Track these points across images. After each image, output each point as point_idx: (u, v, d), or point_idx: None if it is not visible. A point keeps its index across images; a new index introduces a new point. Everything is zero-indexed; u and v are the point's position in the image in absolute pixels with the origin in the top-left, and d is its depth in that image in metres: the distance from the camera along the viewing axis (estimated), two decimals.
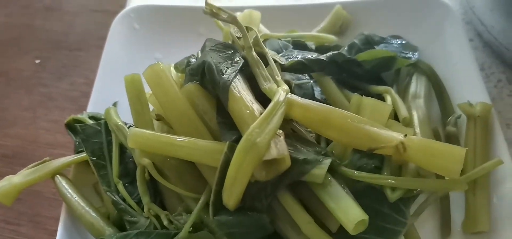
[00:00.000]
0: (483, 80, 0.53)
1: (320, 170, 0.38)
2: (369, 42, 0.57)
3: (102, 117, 0.51)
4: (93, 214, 0.45)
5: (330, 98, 0.50)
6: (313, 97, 0.49)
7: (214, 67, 0.43)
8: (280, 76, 0.43)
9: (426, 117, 0.49)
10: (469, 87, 0.53)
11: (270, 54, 0.47)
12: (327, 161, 0.38)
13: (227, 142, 0.39)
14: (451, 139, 0.50)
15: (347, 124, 0.39)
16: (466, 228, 0.45)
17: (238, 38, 0.47)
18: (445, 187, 0.39)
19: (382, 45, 0.57)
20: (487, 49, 0.63)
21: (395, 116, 0.48)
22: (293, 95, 0.41)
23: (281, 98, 0.39)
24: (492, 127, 0.50)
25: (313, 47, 0.58)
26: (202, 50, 0.49)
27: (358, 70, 0.53)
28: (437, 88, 0.54)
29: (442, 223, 0.47)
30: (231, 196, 0.38)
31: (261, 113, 0.39)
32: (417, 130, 0.46)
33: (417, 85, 0.53)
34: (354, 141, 0.39)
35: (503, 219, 0.45)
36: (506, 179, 0.46)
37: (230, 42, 0.48)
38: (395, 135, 0.38)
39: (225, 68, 0.43)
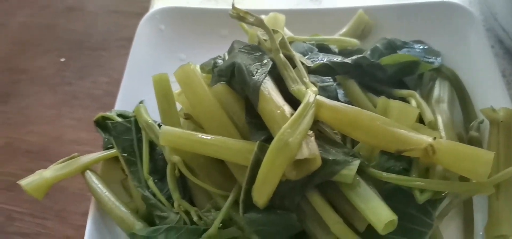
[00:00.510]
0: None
1: (350, 171, 0.39)
2: (391, 47, 0.57)
3: (130, 115, 0.52)
4: (123, 209, 0.46)
5: (354, 101, 0.51)
6: (337, 100, 0.50)
7: (244, 68, 0.44)
8: (307, 78, 0.44)
9: (450, 121, 0.50)
10: (491, 92, 0.53)
11: (297, 56, 0.47)
12: (356, 162, 0.39)
13: (258, 142, 0.40)
14: (474, 144, 0.50)
15: (376, 125, 0.40)
16: (488, 232, 0.46)
17: (265, 40, 0.48)
18: (473, 190, 0.40)
19: (404, 49, 0.57)
20: (508, 56, 0.64)
21: (419, 120, 0.48)
22: (321, 96, 0.42)
23: (311, 99, 0.40)
24: None
25: (336, 50, 0.59)
26: (230, 51, 0.50)
27: (381, 74, 0.54)
28: (460, 93, 0.55)
29: (465, 226, 0.47)
30: (262, 195, 0.39)
31: (291, 114, 0.39)
32: (443, 133, 0.47)
33: (440, 90, 0.54)
34: (382, 143, 0.40)
35: None
36: None
37: (256, 43, 0.49)
38: (424, 138, 0.39)
39: (255, 70, 0.44)
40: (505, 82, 0.60)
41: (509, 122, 0.50)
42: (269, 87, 0.42)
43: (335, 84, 0.53)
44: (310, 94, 0.40)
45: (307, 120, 0.38)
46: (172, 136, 0.43)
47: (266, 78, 0.43)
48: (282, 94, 0.44)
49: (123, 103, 0.56)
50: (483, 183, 0.39)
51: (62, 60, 0.77)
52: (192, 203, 0.45)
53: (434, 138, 0.38)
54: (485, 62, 0.56)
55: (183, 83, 0.45)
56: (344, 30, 0.62)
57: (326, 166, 0.39)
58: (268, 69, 0.44)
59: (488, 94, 0.54)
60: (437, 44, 0.59)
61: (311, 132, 0.39)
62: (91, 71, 0.75)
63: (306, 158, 0.37)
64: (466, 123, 0.53)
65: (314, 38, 0.58)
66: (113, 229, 0.48)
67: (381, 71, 0.54)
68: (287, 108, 0.41)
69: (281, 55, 0.46)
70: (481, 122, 0.52)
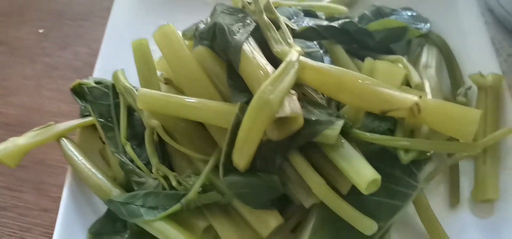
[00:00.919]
0: None
1: (333, 131, 0.37)
2: (380, 14, 0.56)
3: (108, 82, 0.50)
4: (100, 176, 0.44)
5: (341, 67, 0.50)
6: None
7: (225, 28, 0.42)
8: (292, 40, 0.43)
9: (438, 86, 0.49)
10: (480, 59, 0.53)
11: (282, 19, 0.46)
12: (340, 122, 0.38)
13: (239, 103, 0.39)
14: None
15: (360, 86, 0.38)
16: (475, 195, 0.45)
17: (249, 3, 0.46)
18: (458, 149, 0.39)
19: (393, 16, 0.56)
20: (498, 24, 0.63)
21: (406, 85, 0.47)
22: (305, 58, 0.41)
23: (294, 58, 0.38)
24: (502, 98, 0.49)
25: (323, 17, 0.57)
26: (212, 14, 0.48)
27: (369, 41, 0.53)
28: (448, 60, 0.54)
29: (451, 191, 0.46)
30: (242, 156, 0.37)
31: None
32: (429, 97, 0.46)
33: (428, 56, 0.53)
34: (367, 103, 0.39)
35: (511, 188, 0.44)
36: None
37: (240, 6, 0.48)
38: (410, 97, 0.37)
39: (237, 29, 0.42)
40: (494, 50, 0.60)
41: (497, 87, 0.49)
42: (251, 47, 0.41)
43: (321, 51, 0.52)
44: (293, 53, 0.39)
45: (289, 78, 0.36)
46: (150, 98, 0.41)
47: (249, 38, 0.42)
48: (266, 57, 0.42)
49: (102, 72, 0.54)
50: (469, 143, 0.38)
51: (41, 31, 0.74)
52: (172, 169, 0.44)
53: (420, 97, 0.37)
54: (474, 28, 0.55)
55: (162, 45, 0.43)
56: None
57: (308, 126, 0.38)
58: (251, 29, 0.42)
59: (477, 61, 0.53)
60: (426, 11, 0.58)
61: (293, 91, 0.37)
62: (72, 42, 0.72)
63: (288, 117, 0.36)
64: (454, 89, 0.52)
65: (301, 4, 0.57)
66: (91, 199, 0.46)
67: (369, 37, 0.52)
68: (270, 68, 0.39)
69: (265, 17, 0.44)
70: (469, 88, 0.51)
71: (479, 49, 0.53)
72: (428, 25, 0.56)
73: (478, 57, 0.53)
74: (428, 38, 0.55)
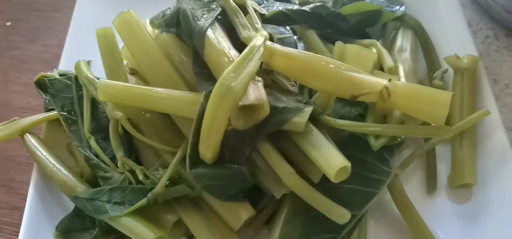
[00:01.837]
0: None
1: (301, 118, 0.36)
2: None
3: (71, 74, 0.49)
4: (65, 172, 0.43)
5: (314, 52, 0.48)
6: None
7: (189, 13, 0.41)
8: (260, 24, 0.41)
9: (412, 70, 0.48)
10: (456, 41, 0.52)
11: (249, 3, 0.44)
12: (308, 109, 0.37)
13: (204, 92, 0.37)
14: None
15: (330, 70, 0.37)
16: (452, 181, 0.44)
17: None
18: (429, 133, 0.38)
19: None
20: (475, 5, 0.62)
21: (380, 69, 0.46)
22: (273, 43, 0.39)
23: (258, 42, 0.37)
24: (479, 80, 0.48)
25: (296, 2, 0.56)
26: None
27: (343, 25, 0.51)
28: (424, 42, 0.53)
29: (428, 178, 0.45)
30: (208, 147, 0.36)
31: None
32: (402, 80, 0.45)
33: (403, 39, 0.52)
34: (337, 88, 0.38)
35: (489, 172, 0.44)
36: (493, 132, 0.45)
37: None
38: (379, 80, 0.36)
39: (201, 15, 0.41)
40: (471, 32, 0.59)
41: (474, 69, 0.48)
42: (216, 33, 0.39)
43: (295, 37, 0.50)
44: (258, 38, 0.37)
45: (253, 64, 0.35)
46: (112, 89, 0.39)
47: (214, 24, 0.40)
48: (233, 45, 0.41)
49: (68, 63, 0.52)
50: (440, 126, 0.37)
51: (8, 23, 0.71)
52: (139, 163, 0.42)
53: (390, 80, 0.36)
54: (450, 10, 0.54)
55: (123, 32, 0.42)
56: None
57: (276, 114, 0.36)
58: (215, 14, 0.41)
59: (453, 43, 0.52)
60: None
61: (258, 78, 0.36)
62: (41, 34, 0.70)
63: (253, 105, 0.34)
64: (430, 72, 0.51)
65: None
66: (57, 195, 0.45)
67: (342, 21, 0.51)
68: (234, 54, 0.38)
69: (231, 1, 0.42)
70: (445, 71, 0.50)
71: (454, 31, 0.52)
72: (403, 7, 0.54)
73: (454, 39, 0.52)
74: (403, 21, 0.54)
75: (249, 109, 0.35)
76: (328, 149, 0.35)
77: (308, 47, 0.49)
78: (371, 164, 0.38)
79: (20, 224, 0.51)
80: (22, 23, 0.72)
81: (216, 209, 0.40)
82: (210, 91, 0.36)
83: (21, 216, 0.52)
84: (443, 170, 0.46)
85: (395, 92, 0.35)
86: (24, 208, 0.52)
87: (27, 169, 0.55)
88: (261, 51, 0.36)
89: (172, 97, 0.38)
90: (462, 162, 0.44)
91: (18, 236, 0.50)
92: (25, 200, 0.53)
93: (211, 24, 0.40)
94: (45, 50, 0.68)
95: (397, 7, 0.54)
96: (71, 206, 0.44)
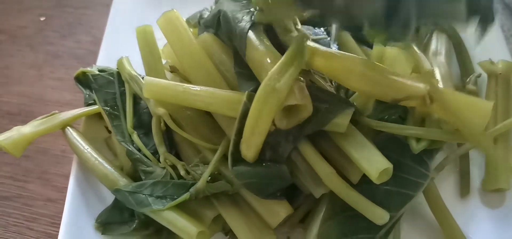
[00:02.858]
0: None
1: (343, 119, 0.37)
2: None
3: (113, 70, 0.50)
4: (107, 165, 0.44)
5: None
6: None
7: (230, 15, 0.42)
8: (300, 25, 0.42)
9: (448, 74, 0.48)
10: (490, 46, 0.51)
11: None
12: (350, 110, 0.37)
13: (246, 92, 0.38)
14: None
15: (372, 73, 0.38)
16: (486, 185, 0.45)
17: None
18: (471, 140, 0.38)
19: None
20: (507, 11, 0.62)
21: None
22: (314, 43, 0.40)
23: (301, 44, 0.37)
24: None
25: None
26: (217, 1, 0.47)
27: None
28: (458, 47, 0.53)
29: (462, 182, 0.46)
30: (251, 147, 0.37)
31: None
32: (440, 84, 0.45)
33: (438, 43, 0.52)
34: (377, 91, 0.38)
35: None
36: None
37: None
38: (422, 86, 0.37)
39: (242, 16, 0.42)
40: (503, 37, 0.59)
41: (508, 74, 0.48)
42: (257, 34, 0.40)
43: (329, 38, 0.51)
44: (300, 39, 0.38)
45: (297, 65, 0.35)
46: (157, 87, 0.40)
47: (254, 25, 0.41)
48: (273, 44, 0.41)
49: (105, 59, 0.54)
50: (482, 133, 0.37)
51: (42, 19, 0.73)
52: (179, 158, 0.43)
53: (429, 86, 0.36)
54: None
55: (167, 31, 0.42)
56: None
57: (318, 114, 0.37)
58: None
59: (487, 48, 0.51)
60: None
61: (301, 78, 0.36)
62: (74, 30, 0.71)
63: (296, 106, 0.35)
64: (464, 77, 0.51)
65: None
66: (97, 188, 0.46)
67: None
68: (277, 54, 0.38)
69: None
70: (479, 76, 0.50)
71: (488, 35, 0.52)
72: None
73: (487, 44, 0.52)
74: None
75: (292, 109, 0.35)
76: (370, 150, 0.36)
77: (342, 48, 0.50)
78: (409, 166, 0.39)
79: (55, 215, 0.53)
80: (55, 19, 0.73)
81: (254, 206, 0.41)
82: (253, 91, 0.37)
83: (56, 208, 0.54)
84: (476, 174, 0.46)
85: (437, 98, 0.36)
86: (58, 199, 0.54)
87: (61, 162, 0.57)
88: (304, 52, 0.36)
89: (215, 96, 0.39)
90: (496, 167, 0.44)
91: (53, 227, 0.52)
92: (60, 192, 0.55)
93: (252, 25, 0.40)
94: (78, 46, 0.69)
95: None
96: (108, 198, 0.45)
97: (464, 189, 0.45)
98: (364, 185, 0.38)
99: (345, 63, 0.38)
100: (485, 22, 0.35)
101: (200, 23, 0.48)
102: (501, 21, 0.61)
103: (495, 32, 0.52)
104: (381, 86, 0.38)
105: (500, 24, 0.60)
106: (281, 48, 0.40)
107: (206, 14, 0.49)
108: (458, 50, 0.53)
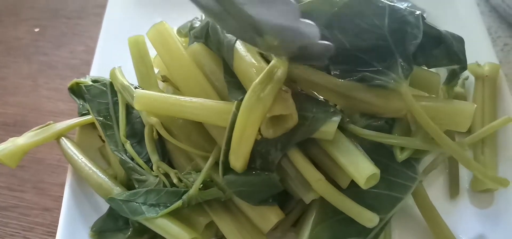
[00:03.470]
0: None
1: (330, 127, 0.37)
2: None
3: (105, 80, 0.50)
4: (101, 175, 0.44)
5: None
6: None
7: (218, 26, 0.42)
8: None
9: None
10: (476, 48, 0.52)
11: None
12: (337, 118, 0.38)
13: (235, 101, 0.38)
14: (459, 99, 0.49)
15: (354, 94, 0.39)
16: (474, 186, 0.45)
17: None
18: (453, 150, 0.39)
19: None
20: (494, 13, 0.63)
21: None
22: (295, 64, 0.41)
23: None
24: (500, 87, 0.49)
25: None
26: None
27: None
28: None
29: (451, 182, 0.47)
30: (238, 158, 0.37)
31: None
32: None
33: None
34: (356, 107, 0.39)
35: (510, 178, 0.44)
36: None
37: None
38: (401, 105, 0.38)
39: None
40: (490, 39, 0.60)
41: (494, 77, 0.49)
42: (244, 45, 0.41)
43: None
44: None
45: (279, 75, 0.36)
46: (147, 99, 0.41)
47: None
48: (261, 55, 0.42)
49: (99, 69, 0.54)
50: (454, 143, 0.38)
51: (37, 30, 0.74)
52: (172, 166, 0.44)
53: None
54: (470, 17, 0.55)
55: (156, 43, 0.43)
56: None
57: (306, 123, 0.38)
58: None
59: (473, 51, 0.52)
60: (421, 1, 0.58)
61: (286, 88, 0.37)
62: (68, 40, 0.72)
63: (282, 115, 0.36)
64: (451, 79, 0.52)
65: None
66: (91, 197, 0.47)
67: None
68: (262, 66, 0.39)
69: None
70: (466, 78, 0.51)
71: (475, 38, 0.53)
72: (425, 15, 0.55)
73: (474, 46, 0.53)
74: None
75: (278, 118, 0.36)
76: (357, 156, 0.37)
77: None
78: (397, 170, 0.39)
79: (51, 224, 0.54)
80: (49, 29, 0.74)
81: (247, 212, 0.41)
82: (241, 100, 0.38)
83: (52, 217, 0.54)
84: (465, 175, 0.47)
85: (418, 113, 0.36)
86: (54, 209, 0.55)
87: (57, 171, 0.57)
88: (286, 64, 0.37)
89: (205, 107, 0.40)
90: (484, 168, 0.45)
91: (49, 236, 0.53)
92: (55, 201, 0.55)
93: None
94: (73, 56, 0.70)
95: None
96: (103, 207, 0.46)
97: (453, 190, 0.46)
98: (353, 188, 0.38)
99: (321, 80, 0.39)
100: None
101: (190, 33, 0.49)
102: (488, 24, 0.62)
103: (481, 34, 0.53)
104: (361, 105, 0.39)
105: (486, 26, 0.61)
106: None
107: (197, 24, 0.49)
108: None
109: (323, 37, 0.36)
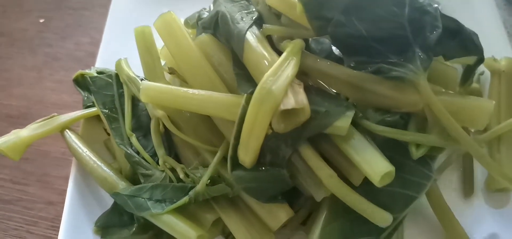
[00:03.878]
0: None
1: (344, 122, 0.36)
2: None
3: (111, 72, 0.49)
4: (106, 169, 0.43)
5: None
6: (331, 52, 0.47)
7: (228, 16, 0.41)
8: None
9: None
10: (492, 43, 0.51)
11: None
12: (351, 113, 0.36)
13: (245, 95, 0.37)
14: (475, 95, 0.48)
15: (368, 86, 0.37)
16: (489, 185, 0.44)
17: None
18: (469, 146, 0.37)
19: None
20: (509, 7, 0.61)
21: None
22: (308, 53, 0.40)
23: (296, 47, 0.37)
24: None
25: None
26: (215, 1, 0.47)
27: None
28: None
29: (465, 181, 0.45)
30: (248, 152, 0.36)
31: None
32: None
33: None
34: (371, 101, 0.38)
35: None
36: None
37: None
38: (417, 98, 0.36)
39: (240, 18, 0.41)
40: (506, 33, 0.58)
41: (511, 72, 0.48)
42: (255, 36, 0.39)
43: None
44: (294, 43, 0.37)
45: (291, 68, 0.35)
46: (154, 91, 0.40)
47: (253, 27, 0.40)
48: (272, 48, 0.41)
49: (104, 61, 0.53)
50: (471, 140, 0.37)
51: (41, 21, 0.73)
52: (178, 161, 0.43)
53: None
54: (486, 11, 0.53)
55: (164, 33, 0.42)
56: None
57: (318, 117, 0.36)
58: (254, 17, 0.41)
59: (489, 45, 0.50)
60: None
61: (298, 81, 0.36)
62: (73, 31, 0.71)
63: (294, 109, 0.34)
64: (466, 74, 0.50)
65: None
66: (96, 191, 0.46)
67: None
68: (274, 57, 0.38)
69: (268, 7, 0.42)
70: (482, 73, 0.50)
71: (491, 32, 0.52)
72: (440, 7, 0.54)
73: (490, 41, 0.51)
74: None
75: (290, 112, 0.35)
76: (371, 153, 0.35)
77: None
78: (412, 167, 0.38)
79: (55, 218, 0.53)
80: (54, 20, 0.73)
81: (255, 209, 0.40)
82: (252, 93, 0.37)
83: (56, 211, 0.53)
84: (479, 173, 0.46)
85: (436, 107, 0.35)
86: (59, 202, 0.54)
87: (62, 164, 0.57)
88: (298, 55, 0.36)
89: (213, 100, 0.39)
90: (500, 166, 0.44)
91: (53, 230, 0.52)
92: (60, 195, 0.54)
93: (250, 27, 0.40)
94: (78, 48, 0.69)
95: None
96: (108, 201, 0.45)
97: (467, 189, 0.45)
98: (366, 186, 0.37)
99: (334, 71, 0.37)
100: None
101: (198, 24, 0.47)
102: (503, 17, 0.60)
103: (497, 29, 0.51)
104: (376, 98, 0.37)
105: (502, 20, 0.59)
106: (280, 51, 0.40)
107: (205, 15, 0.48)
108: None
109: (339, 23, 0.34)
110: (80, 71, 0.50)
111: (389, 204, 0.37)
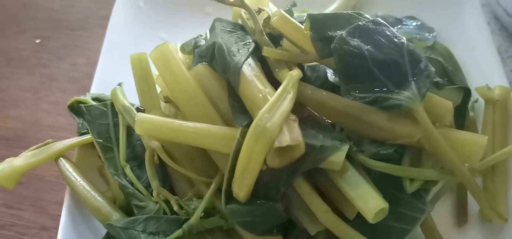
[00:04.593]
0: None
1: (338, 157, 0.36)
2: None
3: (106, 98, 0.49)
4: (99, 199, 0.43)
5: None
6: (326, 80, 0.47)
7: (225, 48, 0.41)
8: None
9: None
10: (487, 70, 0.51)
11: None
12: (345, 148, 0.37)
13: (240, 128, 0.37)
14: (469, 123, 0.48)
15: (365, 116, 0.37)
16: (484, 215, 0.44)
17: (248, 20, 0.45)
18: (462, 177, 0.38)
19: (397, 27, 0.55)
20: (504, 32, 0.61)
21: None
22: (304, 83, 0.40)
23: (291, 82, 0.37)
24: (511, 112, 0.48)
25: None
26: (212, 30, 0.47)
27: None
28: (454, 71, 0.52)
29: (459, 211, 0.45)
30: (242, 187, 0.36)
31: None
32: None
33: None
34: (368, 132, 0.38)
35: None
36: None
37: (240, 22, 0.46)
38: (414, 131, 0.36)
39: (237, 50, 0.41)
40: (500, 59, 0.58)
41: (505, 100, 0.48)
42: (251, 69, 0.39)
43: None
44: (291, 76, 0.37)
45: (287, 103, 0.35)
46: (149, 123, 0.40)
47: (249, 59, 0.40)
48: (268, 78, 0.41)
49: (100, 86, 0.53)
50: (465, 172, 0.37)
51: (38, 41, 0.73)
52: (173, 192, 0.43)
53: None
54: (481, 38, 0.54)
55: (160, 65, 0.42)
56: (334, 5, 0.59)
57: (313, 152, 0.36)
58: (251, 49, 0.41)
59: (483, 72, 0.51)
60: (430, 19, 0.57)
61: (294, 116, 0.36)
62: (70, 52, 0.71)
63: (289, 145, 0.34)
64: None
65: (302, 15, 0.55)
66: (90, 220, 0.45)
67: None
68: (269, 91, 0.38)
69: (265, 37, 0.43)
70: (476, 101, 0.50)
71: (485, 60, 0.52)
72: (434, 34, 0.54)
73: (484, 68, 0.52)
74: (433, 49, 0.53)
75: (285, 148, 0.35)
76: (365, 189, 0.35)
77: None
78: (406, 200, 0.38)
79: None
80: (51, 40, 0.73)
81: None
82: (247, 125, 0.37)
83: (50, 236, 0.53)
84: (474, 203, 0.45)
85: (433, 136, 0.35)
86: (52, 228, 0.54)
87: (56, 189, 0.56)
88: (295, 90, 0.36)
89: (208, 133, 0.39)
90: (494, 196, 0.44)
91: None
92: (54, 220, 0.54)
93: (246, 59, 0.40)
94: (74, 69, 0.69)
95: (428, 34, 0.54)
96: (101, 231, 0.45)
97: (461, 218, 0.45)
98: (360, 220, 0.37)
99: (332, 102, 0.38)
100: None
101: (194, 52, 0.47)
102: (498, 43, 0.60)
103: (492, 56, 0.52)
104: (373, 130, 0.37)
105: (496, 45, 0.59)
106: (276, 82, 0.40)
107: (201, 42, 0.48)
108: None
109: (343, 41, 0.36)
110: (75, 98, 0.50)
111: (383, 237, 0.37)
